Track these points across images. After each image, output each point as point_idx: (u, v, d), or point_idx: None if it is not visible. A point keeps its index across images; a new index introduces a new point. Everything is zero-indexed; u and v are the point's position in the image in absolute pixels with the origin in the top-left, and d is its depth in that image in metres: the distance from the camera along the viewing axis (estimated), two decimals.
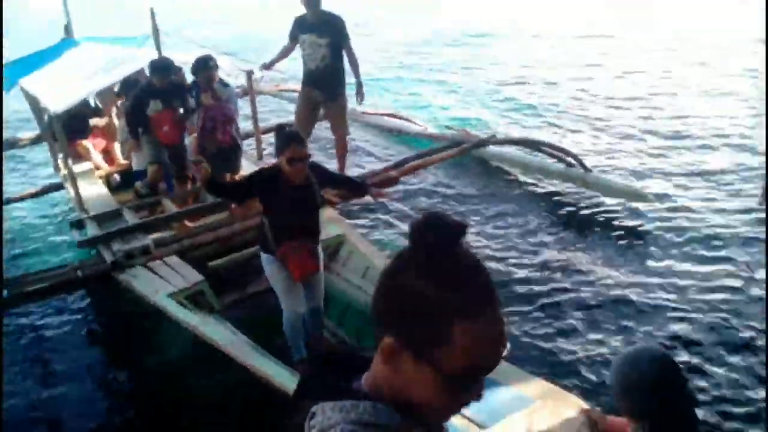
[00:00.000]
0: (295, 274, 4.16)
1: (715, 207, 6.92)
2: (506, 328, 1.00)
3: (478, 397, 1.03)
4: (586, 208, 7.11)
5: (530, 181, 7.86)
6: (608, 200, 7.11)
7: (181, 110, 6.25)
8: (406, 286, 0.98)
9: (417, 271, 0.98)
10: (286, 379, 3.72)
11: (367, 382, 1.06)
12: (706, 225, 6.53)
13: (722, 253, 5.98)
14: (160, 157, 6.41)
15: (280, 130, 4.17)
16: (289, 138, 3.95)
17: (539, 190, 7.63)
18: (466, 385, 1.01)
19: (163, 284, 4.80)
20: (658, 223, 6.63)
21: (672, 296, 5.33)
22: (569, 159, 7.54)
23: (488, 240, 6.45)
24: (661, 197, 7.16)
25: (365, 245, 5.34)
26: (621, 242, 6.32)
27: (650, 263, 5.89)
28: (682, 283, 5.52)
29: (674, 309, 5.15)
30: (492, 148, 8.25)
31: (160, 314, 4.59)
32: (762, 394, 4.13)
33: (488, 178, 8.06)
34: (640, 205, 6.88)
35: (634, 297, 5.34)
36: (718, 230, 6.39)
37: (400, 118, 10.13)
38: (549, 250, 6.24)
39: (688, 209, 6.91)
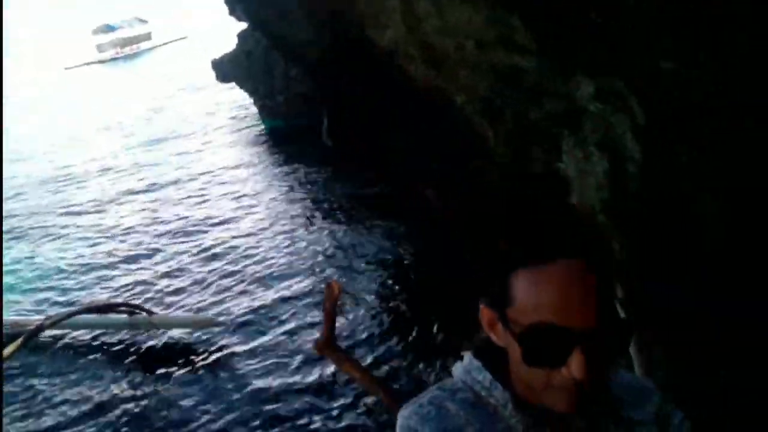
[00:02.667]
0: None
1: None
2: (581, 286, 0.94)
3: (576, 373, 0.94)
4: (156, 347, 7.45)
5: (109, 340, 7.72)
6: (177, 333, 7.50)
7: None
8: (491, 246, 1.06)
9: (500, 230, 1.07)
10: None
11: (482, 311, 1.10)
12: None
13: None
14: None
15: None
16: None
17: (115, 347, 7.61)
18: (547, 356, 0.96)
19: None
20: (233, 341, 7.27)
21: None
22: (131, 309, 7.61)
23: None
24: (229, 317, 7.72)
25: None
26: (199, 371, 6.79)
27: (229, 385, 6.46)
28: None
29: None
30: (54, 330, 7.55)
31: None
32: None
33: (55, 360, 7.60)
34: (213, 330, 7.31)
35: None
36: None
37: None
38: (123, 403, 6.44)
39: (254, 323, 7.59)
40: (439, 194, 8.38)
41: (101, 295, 9.05)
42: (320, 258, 9.39)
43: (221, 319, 7.55)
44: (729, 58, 2.75)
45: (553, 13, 3.07)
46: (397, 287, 8.57)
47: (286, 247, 9.93)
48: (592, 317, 0.94)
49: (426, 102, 4.98)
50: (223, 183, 14.06)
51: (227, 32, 17.96)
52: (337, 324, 4.84)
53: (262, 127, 17.80)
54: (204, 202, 12.78)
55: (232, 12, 8.01)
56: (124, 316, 7.55)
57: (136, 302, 8.20)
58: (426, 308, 7.63)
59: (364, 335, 7.28)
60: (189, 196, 13.22)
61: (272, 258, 9.57)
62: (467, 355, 1.15)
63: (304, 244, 10.01)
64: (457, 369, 1.15)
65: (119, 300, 8.43)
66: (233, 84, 17.78)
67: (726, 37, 2.66)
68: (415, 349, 6.87)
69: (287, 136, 16.51)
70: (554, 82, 3.80)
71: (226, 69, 17.32)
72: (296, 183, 13.36)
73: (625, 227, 3.97)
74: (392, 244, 9.64)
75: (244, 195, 12.90)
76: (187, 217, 11.90)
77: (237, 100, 19.95)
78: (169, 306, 8.43)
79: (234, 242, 10.35)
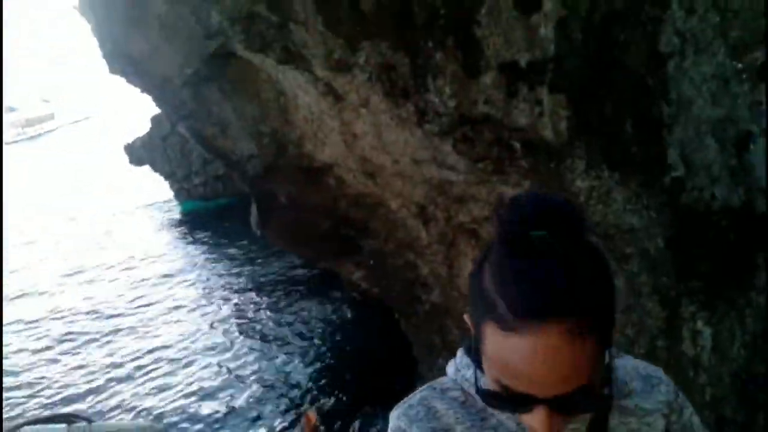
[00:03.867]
0: None
1: None
2: (567, 360, 0.80)
3: (538, 428, 0.86)
4: None
5: None
6: None
7: None
8: (480, 267, 0.90)
9: (489, 258, 0.89)
10: None
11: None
12: None
13: None
14: None
15: None
16: None
17: None
18: (506, 408, 0.90)
19: None
20: None
21: None
22: (70, 418, 7.17)
23: None
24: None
25: None
26: None
27: None
28: None
29: None
30: None
31: None
32: None
33: None
34: None
35: None
36: None
37: None
38: None
39: None
40: (369, 278, 8.72)
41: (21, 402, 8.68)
42: (257, 356, 9.35)
43: (162, 425, 7.43)
44: None
45: (481, 141, 3.55)
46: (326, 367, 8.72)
47: (219, 347, 9.78)
48: (565, 386, 0.83)
49: (359, 204, 5.37)
50: (133, 269, 13.71)
51: (133, 113, 17.65)
52: None
53: (178, 210, 17.69)
54: (123, 296, 12.40)
55: (173, 127, 8.16)
56: (63, 426, 7.33)
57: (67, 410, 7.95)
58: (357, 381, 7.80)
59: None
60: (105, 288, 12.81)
61: (206, 360, 9.42)
62: (459, 352, 1.11)
63: (239, 336, 9.96)
64: (450, 366, 1.12)
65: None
66: (134, 167, 17.43)
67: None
68: None
69: (205, 217, 16.50)
70: (479, 190, 4.28)
71: (139, 153, 17.26)
72: (222, 266, 13.32)
73: None
74: (321, 325, 9.83)
75: (166, 282, 12.72)
76: (98, 313, 11.54)
77: (144, 183, 19.51)
78: (104, 413, 8.19)
79: (161, 342, 10.08)
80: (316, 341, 9.52)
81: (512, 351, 0.81)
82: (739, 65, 3.00)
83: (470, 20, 3.14)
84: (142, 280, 12.86)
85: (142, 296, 11.99)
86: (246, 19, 3.68)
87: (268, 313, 10.72)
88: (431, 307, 5.28)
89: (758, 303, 3.46)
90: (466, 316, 0.98)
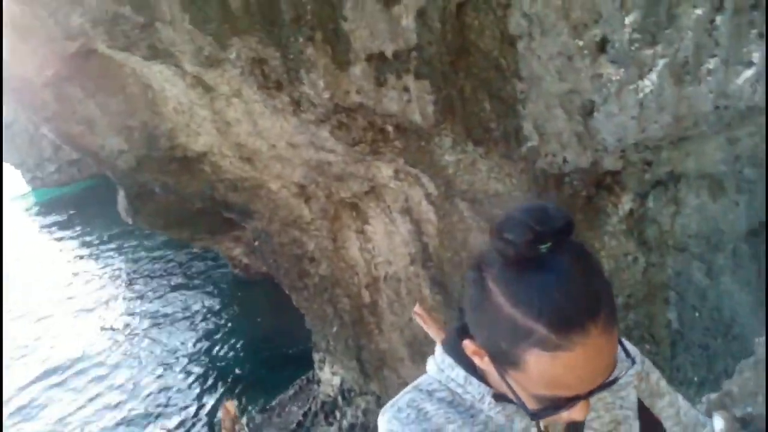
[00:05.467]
0: None
1: None
2: (607, 352, 0.85)
3: (577, 417, 0.91)
4: None
5: None
6: None
7: None
8: (485, 290, 0.88)
9: (494, 278, 0.87)
10: None
11: (464, 342, 1.00)
12: None
13: None
14: None
15: None
16: None
17: None
18: (551, 414, 0.91)
19: None
20: None
21: None
22: None
23: None
24: None
25: None
26: None
27: None
28: None
29: None
30: None
31: None
32: None
33: None
34: None
35: None
36: None
37: None
38: None
39: None
40: (251, 253, 8.77)
41: None
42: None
43: None
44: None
45: (356, 127, 3.75)
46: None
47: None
48: (605, 376, 0.88)
49: (237, 188, 5.43)
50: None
51: None
52: None
53: (32, 200, 16.57)
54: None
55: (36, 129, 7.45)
56: None
57: None
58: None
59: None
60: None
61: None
62: (438, 351, 1.12)
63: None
64: (431, 366, 1.11)
65: None
66: None
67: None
68: None
69: (63, 204, 15.59)
70: (357, 168, 4.51)
71: None
72: (95, 253, 12.71)
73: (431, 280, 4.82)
74: (202, 301, 9.76)
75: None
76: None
77: None
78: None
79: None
80: (206, 324, 9.49)
81: (563, 366, 0.84)
82: (580, 43, 3.35)
83: (337, 15, 3.29)
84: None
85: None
86: (110, 20, 3.61)
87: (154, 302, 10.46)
88: (320, 279, 5.51)
89: (610, 245, 3.99)
90: (468, 342, 0.97)
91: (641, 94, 3.18)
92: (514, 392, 0.92)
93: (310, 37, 3.33)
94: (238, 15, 3.39)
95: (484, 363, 0.97)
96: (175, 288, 10.56)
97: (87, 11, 3.55)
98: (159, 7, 3.46)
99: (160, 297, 10.43)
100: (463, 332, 1.01)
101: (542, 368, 0.85)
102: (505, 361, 0.89)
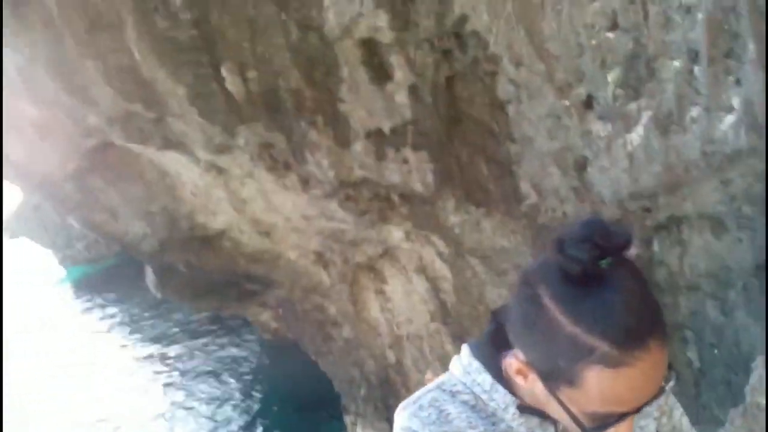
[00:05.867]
0: None
1: None
2: (662, 367, 0.86)
3: None
4: None
5: None
6: None
7: None
8: (542, 308, 0.86)
9: (552, 295, 0.85)
10: None
11: (506, 361, 1.00)
12: None
13: None
14: None
15: None
16: None
17: None
18: (601, 426, 0.89)
19: None
20: None
21: None
22: None
23: None
24: None
25: None
26: None
27: None
28: None
29: None
30: None
31: None
32: None
33: None
34: None
35: None
36: None
37: None
38: None
39: None
40: (279, 316, 8.92)
41: None
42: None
43: None
44: None
45: (363, 198, 3.94)
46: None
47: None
48: (654, 393, 0.89)
49: (257, 260, 5.62)
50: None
51: None
52: None
53: (64, 278, 16.95)
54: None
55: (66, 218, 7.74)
56: None
57: None
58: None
59: None
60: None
61: None
62: (465, 352, 1.08)
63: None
64: (456, 367, 1.08)
65: None
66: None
67: None
68: None
69: (96, 281, 15.89)
70: (369, 233, 4.67)
71: (13, 226, 16.45)
72: (125, 325, 12.92)
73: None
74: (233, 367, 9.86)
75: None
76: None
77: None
78: None
79: None
80: (239, 385, 9.59)
81: (625, 383, 0.84)
82: (567, 102, 3.49)
83: (334, 98, 3.51)
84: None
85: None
86: (123, 117, 3.87)
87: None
88: (344, 342, 5.63)
89: None
90: (513, 360, 0.96)
91: (630, 147, 3.30)
92: (567, 409, 0.90)
93: (312, 122, 3.55)
94: (243, 105, 3.62)
95: (528, 382, 0.95)
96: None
97: (102, 110, 3.81)
98: (168, 103, 3.71)
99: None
100: (496, 337, 1.02)
101: (603, 385, 0.84)
102: (560, 378, 0.88)
